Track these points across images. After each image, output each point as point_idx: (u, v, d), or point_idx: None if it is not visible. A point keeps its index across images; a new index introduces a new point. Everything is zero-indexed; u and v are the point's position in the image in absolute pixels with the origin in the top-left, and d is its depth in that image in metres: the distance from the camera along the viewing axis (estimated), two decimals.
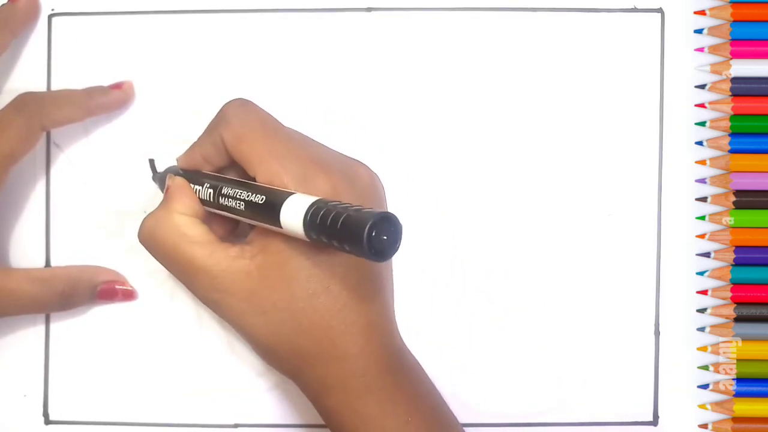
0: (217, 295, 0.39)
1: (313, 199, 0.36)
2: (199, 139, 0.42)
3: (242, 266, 0.39)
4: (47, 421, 0.47)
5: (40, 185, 0.47)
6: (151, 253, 0.41)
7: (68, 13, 0.47)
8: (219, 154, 0.41)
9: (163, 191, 0.43)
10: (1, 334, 0.47)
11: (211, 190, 0.41)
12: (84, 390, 0.47)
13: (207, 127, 0.42)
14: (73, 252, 0.47)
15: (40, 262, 0.47)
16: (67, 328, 0.47)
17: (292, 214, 0.36)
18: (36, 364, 0.47)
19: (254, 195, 0.38)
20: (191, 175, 0.42)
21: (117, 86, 0.47)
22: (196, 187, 0.42)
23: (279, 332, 0.39)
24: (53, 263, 0.47)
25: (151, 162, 0.46)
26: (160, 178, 0.45)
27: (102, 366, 0.47)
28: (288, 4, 0.47)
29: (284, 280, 0.39)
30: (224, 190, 0.40)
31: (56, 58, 0.47)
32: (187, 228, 0.40)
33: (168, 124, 0.47)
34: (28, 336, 0.47)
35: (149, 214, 0.41)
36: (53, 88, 0.47)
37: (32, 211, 0.47)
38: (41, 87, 0.47)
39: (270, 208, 0.37)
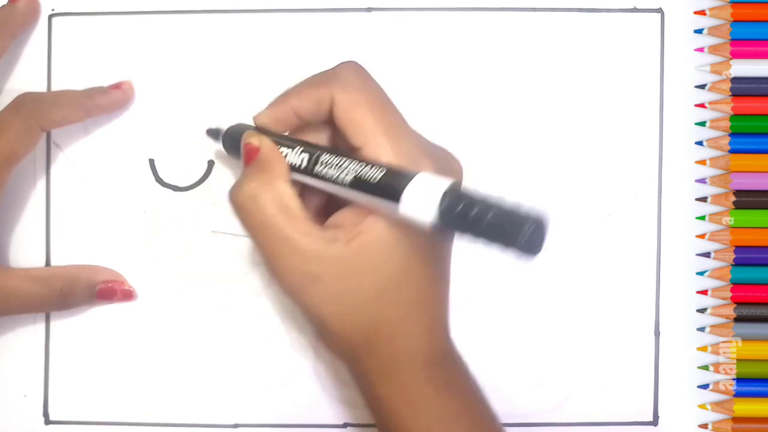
0: (303, 279, 0.37)
1: (448, 182, 0.33)
2: (293, 91, 0.39)
3: (337, 251, 0.37)
4: (47, 421, 0.47)
5: (40, 185, 0.47)
6: (243, 219, 0.38)
7: (68, 13, 0.47)
8: (318, 114, 0.39)
9: (237, 155, 0.40)
10: (1, 334, 0.47)
11: (306, 155, 0.37)
12: (84, 390, 0.47)
13: (309, 81, 0.39)
14: (73, 252, 0.47)
15: (40, 262, 0.47)
16: (67, 328, 0.47)
17: (422, 197, 0.33)
18: (36, 364, 0.47)
19: (368, 168, 0.35)
20: (273, 136, 0.39)
21: (117, 86, 0.47)
22: (283, 150, 0.38)
23: (354, 320, 0.38)
24: (53, 263, 0.47)
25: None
26: (230, 138, 0.41)
27: (102, 366, 0.47)
28: (288, 4, 0.47)
29: (375, 268, 0.37)
30: (324, 158, 0.37)
31: (56, 58, 0.47)
32: (291, 199, 0.37)
33: (168, 124, 0.47)
34: (28, 336, 0.47)
35: (245, 178, 0.38)
36: (53, 88, 0.47)
37: (32, 211, 0.47)
38: (41, 87, 0.47)
39: (388, 186, 0.34)
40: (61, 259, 0.47)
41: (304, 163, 0.37)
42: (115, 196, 0.47)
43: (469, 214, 0.32)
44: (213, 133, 0.44)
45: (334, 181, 0.36)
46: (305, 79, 0.40)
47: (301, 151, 0.38)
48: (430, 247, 0.38)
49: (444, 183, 0.33)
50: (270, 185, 0.37)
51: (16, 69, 0.47)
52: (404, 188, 0.34)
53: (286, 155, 0.38)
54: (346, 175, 0.36)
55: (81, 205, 0.47)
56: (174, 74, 0.47)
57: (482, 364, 0.47)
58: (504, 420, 0.46)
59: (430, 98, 0.47)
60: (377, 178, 0.35)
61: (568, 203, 0.47)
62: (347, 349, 0.39)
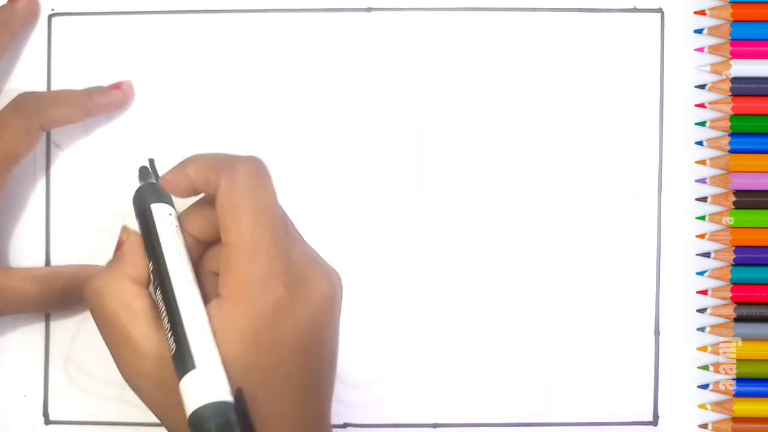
0: (141, 378, 0.37)
1: (214, 401, 0.34)
2: (195, 160, 0.39)
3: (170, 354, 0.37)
4: (47, 421, 0.47)
5: (40, 185, 0.47)
6: (92, 315, 0.39)
7: (68, 13, 0.47)
8: (208, 193, 0.39)
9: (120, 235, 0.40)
10: (1, 334, 0.47)
11: (152, 266, 0.38)
12: (84, 390, 0.47)
13: (211, 158, 0.39)
14: (73, 252, 0.47)
15: (40, 262, 0.47)
16: (67, 327, 0.47)
17: (191, 394, 0.34)
18: (36, 364, 0.47)
19: (170, 335, 0.36)
20: (152, 230, 0.39)
21: (116, 86, 0.47)
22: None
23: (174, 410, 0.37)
24: (53, 263, 0.47)
25: (149, 165, 0.43)
26: (136, 199, 0.42)
27: (102, 366, 0.47)
28: (288, 4, 0.47)
29: None
30: (157, 294, 0.37)
31: (56, 58, 0.47)
32: (134, 299, 0.37)
33: (168, 124, 0.47)
34: (28, 336, 0.47)
35: (97, 273, 0.39)
36: (53, 88, 0.47)
37: (32, 211, 0.47)
38: (41, 87, 0.47)
39: (177, 357, 0.35)
40: (61, 259, 0.47)
41: (150, 270, 0.38)
42: (115, 196, 0.47)
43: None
44: (142, 172, 0.43)
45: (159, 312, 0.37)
46: (209, 154, 0.39)
47: (150, 271, 0.38)
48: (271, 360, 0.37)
49: (207, 399, 0.34)
50: (115, 283, 0.38)
51: (15, 69, 0.47)
52: (182, 376, 0.35)
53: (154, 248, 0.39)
54: (162, 312, 0.37)
55: (81, 205, 0.47)
56: (174, 74, 0.47)
57: (482, 363, 0.47)
58: (504, 420, 0.46)
59: (430, 98, 0.47)
60: (172, 349, 0.36)
61: (568, 203, 0.47)
62: None
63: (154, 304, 0.38)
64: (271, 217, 0.37)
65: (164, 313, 0.37)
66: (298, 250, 0.39)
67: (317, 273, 0.39)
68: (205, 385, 0.35)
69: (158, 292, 0.37)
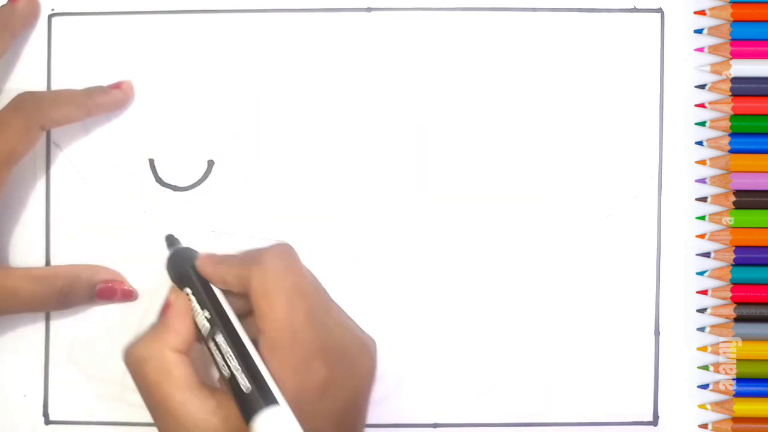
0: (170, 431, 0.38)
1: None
2: (227, 260, 0.40)
3: (216, 423, 0.38)
4: (47, 421, 0.47)
5: (40, 185, 0.47)
6: (132, 377, 0.40)
7: (68, 13, 0.47)
8: (242, 290, 0.39)
9: (172, 280, 0.42)
10: (1, 334, 0.47)
11: (207, 326, 0.39)
12: (84, 390, 0.47)
13: (238, 258, 0.40)
14: (73, 252, 0.47)
15: (40, 262, 0.47)
16: (67, 328, 0.47)
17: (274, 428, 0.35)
18: (36, 364, 0.47)
19: (241, 375, 0.37)
20: (202, 282, 0.41)
21: (116, 86, 0.47)
22: (196, 306, 0.40)
23: None
24: (53, 263, 0.47)
25: (171, 240, 0.45)
26: (175, 269, 0.42)
27: (102, 366, 0.47)
28: (288, 4, 0.47)
29: None
30: (219, 339, 0.38)
31: (56, 58, 0.47)
32: (175, 367, 0.39)
33: (168, 124, 0.47)
34: (28, 336, 0.47)
35: (141, 338, 0.40)
36: (53, 88, 0.47)
37: (32, 211, 0.47)
38: (41, 87, 0.47)
39: (244, 404, 0.36)
40: (61, 259, 0.47)
41: (203, 332, 0.39)
42: (115, 196, 0.47)
43: None
44: (169, 241, 0.45)
45: (218, 367, 0.38)
46: (243, 251, 0.41)
47: (207, 320, 0.39)
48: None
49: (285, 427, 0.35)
50: (156, 353, 0.39)
51: (16, 69, 0.47)
52: (251, 417, 0.36)
53: (196, 312, 0.40)
54: (222, 368, 0.38)
55: (81, 205, 0.47)
56: (174, 74, 0.47)
57: (482, 364, 0.47)
58: (504, 420, 0.46)
59: (430, 98, 0.47)
60: (241, 391, 0.37)
61: (568, 203, 0.47)
62: None
63: (195, 373, 0.39)
64: (304, 299, 0.38)
65: (230, 355, 0.37)
66: (338, 325, 0.40)
67: (358, 347, 0.40)
68: (288, 422, 0.35)
69: (218, 338, 0.38)
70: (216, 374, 0.40)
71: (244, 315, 0.40)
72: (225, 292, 0.41)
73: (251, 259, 0.39)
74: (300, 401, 0.37)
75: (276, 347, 0.38)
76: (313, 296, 0.39)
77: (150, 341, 0.39)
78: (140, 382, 0.39)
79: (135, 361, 0.39)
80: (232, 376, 0.37)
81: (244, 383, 0.37)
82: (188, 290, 0.41)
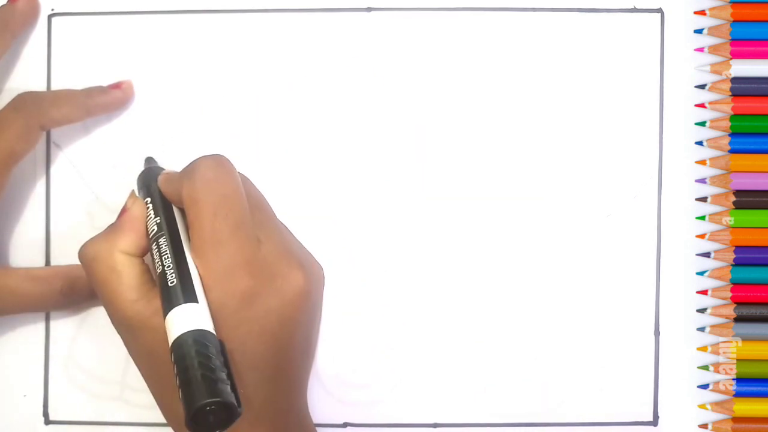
0: (127, 336, 0.40)
1: (198, 327, 0.36)
2: (168, 176, 0.42)
3: (155, 324, 0.39)
4: (47, 421, 0.47)
5: (40, 185, 0.47)
6: (86, 274, 0.41)
7: (68, 13, 0.47)
8: (179, 200, 0.41)
9: (137, 189, 0.43)
10: (1, 334, 0.47)
11: (155, 228, 0.40)
12: (84, 390, 0.47)
13: (178, 173, 0.41)
14: (73, 252, 0.47)
15: (40, 262, 0.47)
16: (67, 328, 0.47)
17: (171, 326, 0.37)
18: (36, 364, 0.47)
19: (172, 272, 0.38)
20: (155, 195, 0.42)
21: (116, 86, 0.47)
22: (150, 213, 0.41)
23: (175, 388, 0.38)
24: (53, 263, 0.47)
25: (149, 161, 0.46)
26: (142, 181, 0.44)
27: (102, 366, 0.47)
28: (288, 4, 0.47)
29: None
30: (162, 241, 0.40)
31: (56, 58, 0.47)
32: (123, 269, 0.40)
33: (168, 124, 0.47)
34: (28, 336, 0.47)
35: (96, 236, 0.41)
36: (53, 88, 0.47)
37: (32, 211, 0.47)
38: (41, 87, 0.47)
39: (169, 296, 0.38)
40: (61, 259, 0.47)
41: (150, 235, 0.41)
42: (115, 196, 0.47)
43: (182, 363, 0.35)
44: (147, 161, 0.46)
45: (154, 264, 0.40)
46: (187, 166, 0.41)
47: (156, 224, 0.41)
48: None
49: (192, 326, 0.36)
50: (107, 252, 0.40)
51: (15, 69, 0.47)
52: (167, 311, 0.37)
53: (148, 217, 0.41)
54: (157, 266, 0.39)
55: (81, 205, 0.47)
56: (174, 74, 0.47)
57: (482, 364, 0.47)
58: (504, 420, 0.46)
59: (430, 98, 0.47)
60: (167, 286, 0.38)
61: (568, 203, 0.47)
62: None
63: (145, 273, 0.40)
64: (232, 208, 0.39)
65: (166, 255, 0.39)
66: (271, 241, 0.40)
67: (291, 266, 0.40)
68: (201, 316, 0.37)
69: (161, 240, 0.40)
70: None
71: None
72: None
73: (184, 171, 0.40)
74: (222, 308, 0.38)
75: (200, 255, 0.39)
76: (243, 207, 0.40)
77: (101, 241, 0.41)
78: (91, 279, 0.40)
79: (86, 259, 0.40)
80: (163, 272, 0.38)
81: (171, 279, 0.38)
82: (148, 199, 0.42)
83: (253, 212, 0.40)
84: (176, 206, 0.42)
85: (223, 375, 0.35)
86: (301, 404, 0.42)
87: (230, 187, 0.40)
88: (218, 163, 0.40)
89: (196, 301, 0.37)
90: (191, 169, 0.40)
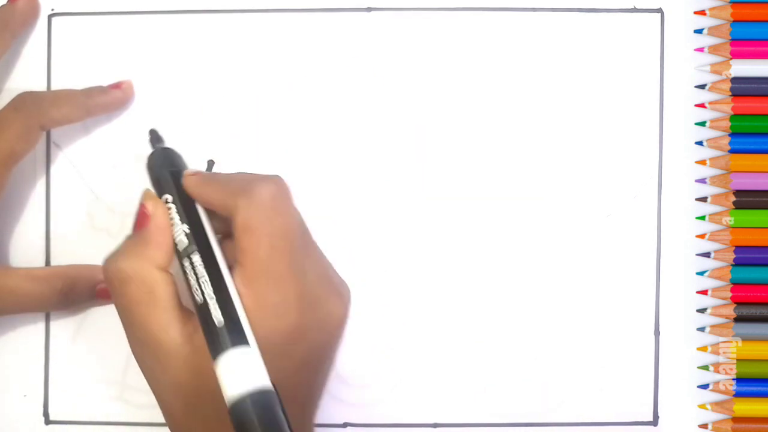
0: (152, 364, 0.37)
1: (258, 385, 0.33)
2: (214, 181, 0.38)
3: (186, 352, 0.36)
4: (47, 421, 0.47)
5: (40, 185, 0.47)
6: (112, 293, 0.38)
7: (68, 13, 0.47)
8: (223, 212, 0.38)
9: (151, 180, 0.40)
10: (1, 334, 0.47)
11: (185, 241, 0.37)
12: (84, 390, 0.47)
13: (228, 181, 0.38)
14: (73, 252, 0.47)
15: (40, 262, 0.47)
16: (67, 327, 0.47)
17: (227, 381, 0.34)
18: (36, 364, 0.47)
19: (215, 307, 0.35)
20: (183, 191, 0.38)
21: (116, 86, 0.47)
22: (175, 219, 0.37)
23: (195, 413, 0.37)
24: (53, 263, 0.47)
25: (155, 136, 0.42)
26: (155, 160, 0.40)
27: (102, 366, 0.47)
28: (288, 4, 0.47)
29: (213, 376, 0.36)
30: (195, 259, 0.36)
31: (56, 58, 0.47)
32: (159, 287, 0.37)
33: (168, 124, 0.47)
34: (28, 336, 0.47)
35: (122, 253, 0.38)
36: (53, 88, 0.47)
37: (32, 211, 0.47)
38: (41, 87, 0.47)
39: (216, 336, 0.34)
40: (61, 259, 0.47)
41: (179, 246, 0.37)
42: (115, 196, 0.47)
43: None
44: (153, 136, 0.42)
45: (190, 288, 0.36)
46: (233, 174, 0.39)
47: (185, 234, 0.37)
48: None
49: (252, 384, 0.34)
50: (143, 269, 0.37)
51: (15, 69, 0.47)
52: (218, 356, 0.34)
53: (173, 222, 0.37)
54: (195, 293, 0.36)
55: (81, 205, 0.47)
56: (174, 74, 0.47)
57: (482, 364, 0.47)
58: (504, 420, 0.46)
59: (430, 98, 0.47)
60: (212, 323, 0.35)
61: (568, 203, 0.47)
62: None
63: (177, 293, 0.37)
64: (288, 242, 0.37)
65: (205, 279, 0.36)
66: (315, 270, 0.39)
67: (331, 294, 0.39)
68: (256, 366, 0.34)
69: (194, 257, 0.36)
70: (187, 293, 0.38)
71: (223, 236, 0.39)
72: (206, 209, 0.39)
73: (240, 188, 0.37)
74: (268, 344, 0.36)
75: (252, 285, 0.36)
76: (296, 239, 0.37)
77: (133, 257, 0.37)
78: (121, 300, 0.37)
79: (118, 278, 0.37)
80: (205, 304, 0.35)
81: (217, 316, 0.35)
82: (168, 197, 0.38)
83: (304, 244, 0.38)
84: (204, 207, 0.38)
85: None
86: (314, 416, 0.41)
87: (289, 216, 0.37)
88: (278, 189, 0.37)
89: (247, 343, 0.34)
90: (248, 190, 0.37)
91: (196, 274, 0.36)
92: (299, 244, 0.38)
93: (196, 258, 0.36)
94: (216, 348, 0.34)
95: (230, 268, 0.37)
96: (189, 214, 0.37)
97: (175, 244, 0.37)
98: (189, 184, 0.39)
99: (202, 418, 0.37)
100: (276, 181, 0.37)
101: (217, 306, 0.35)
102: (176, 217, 0.38)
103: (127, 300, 0.37)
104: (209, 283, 0.36)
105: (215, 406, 0.35)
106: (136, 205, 0.47)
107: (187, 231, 0.37)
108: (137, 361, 0.38)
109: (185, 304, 0.38)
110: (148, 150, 0.41)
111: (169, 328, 0.37)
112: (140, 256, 0.37)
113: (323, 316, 0.38)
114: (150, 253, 0.37)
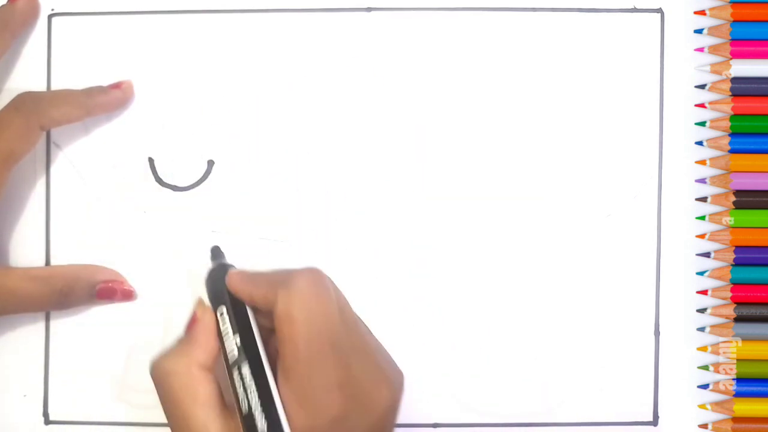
0: None
1: None
2: (256, 278, 0.40)
3: None
4: (47, 421, 0.47)
5: (40, 185, 0.47)
6: (157, 390, 0.39)
7: (68, 13, 0.47)
8: (265, 307, 0.39)
9: (208, 295, 0.41)
10: (1, 334, 0.47)
11: (235, 352, 0.39)
12: (84, 390, 0.47)
13: (268, 276, 0.39)
14: (73, 252, 0.47)
15: (40, 262, 0.47)
16: (67, 328, 0.47)
17: None
18: (36, 364, 0.47)
19: (260, 414, 0.37)
20: (228, 304, 0.40)
21: (116, 86, 0.47)
22: (228, 329, 0.39)
23: None
24: (53, 263, 0.47)
25: (215, 253, 0.43)
26: (213, 285, 0.41)
27: (102, 366, 0.47)
28: (288, 4, 0.47)
29: None
30: (244, 370, 0.38)
31: (56, 58, 0.47)
32: (200, 385, 0.38)
33: (168, 124, 0.47)
34: (28, 336, 0.47)
35: (169, 350, 0.40)
36: (53, 88, 0.47)
37: (32, 211, 0.47)
38: (41, 87, 0.47)
39: None
40: (61, 259, 0.47)
41: (230, 357, 0.39)
42: (115, 196, 0.47)
43: None
44: (213, 253, 0.44)
45: (237, 397, 0.38)
46: (274, 270, 0.40)
47: (236, 346, 0.39)
48: None
49: None
50: (185, 367, 0.39)
51: (15, 69, 0.47)
52: None
53: (224, 333, 0.39)
54: (242, 402, 0.37)
55: (81, 205, 0.47)
56: (174, 74, 0.47)
57: (482, 363, 0.47)
58: (504, 420, 0.46)
59: (430, 98, 0.47)
60: (262, 427, 0.36)
61: (568, 203, 0.47)
62: None
63: (219, 391, 0.39)
64: (329, 328, 0.38)
65: (252, 390, 0.37)
66: (360, 357, 0.39)
67: (380, 383, 0.39)
68: None
69: (244, 369, 0.38)
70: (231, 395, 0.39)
71: (269, 333, 0.40)
72: (254, 310, 0.40)
73: (280, 280, 0.38)
74: (312, 430, 0.37)
75: (292, 375, 0.37)
76: (338, 326, 0.38)
77: (178, 356, 0.39)
78: (165, 396, 0.39)
79: (162, 374, 0.39)
80: (250, 414, 0.37)
81: (261, 424, 0.37)
82: (223, 309, 0.40)
83: (346, 331, 0.39)
84: (249, 306, 0.40)
85: None
86: None
87: (328, 306, 0.38)
88: (317, 279, 0.38)
89: None
90: (288, 281, 0.38)
91: (244, 385, 0.38)
92: (341, 332, 0.38)
93: (245, 369, 0.38)
94: None
95: (272, 363, 0.39)
96: (241, 325, 0.39)
97: (226, 356, 0.39)
98: (233, 281, 0.40)
99: None
100: (313, 270, 0.39)
101: (262, 416, 0.37)
102: (229, 328, 0.39)
103: (170, 396, 0.38)
104: (256, 393, 0.37)
105: None
106: (138, 208, 0.47)
107: (239, 343, 0.39)
108: None
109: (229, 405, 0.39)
110: (208, 264, 0.43)
111: (211, 425, 0.38)
112: (184, 355, 0.39)
113: (369, 404, 0.38)
114: (194, 353, 0.39)
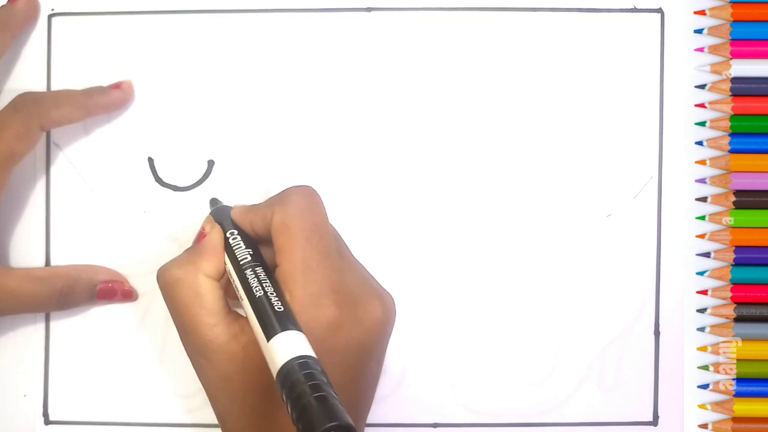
0: (201, 360, 0.40)
1: (304, 353, 0.36)
2: (253, 207, 0.42)
3: (233, 349, 0.39)
4: (47, 421, 0.47)
5: (40, 185, 0.47)
6: (164, 298, 0.40)
7: (68, 13, 0.47)
8: (264, 229, 0.40)
9: (204, 226, 0.42)
10: (1, 334, 0.47)
11: (248, 257, 0.40)
12: (84, 390, 0.47)
13: (268, 200, 0.41)
14: (73, 252, 0.47)
15: (40, 262, 0.47)
16: (67, 328, 0.47)
17: (277, 352, 0.36)
18: (36, 364, 0.47)
19: (275, 298, 0.38)
20: (238, 229, 0.42)
21: (116, 86, 0.47)
22: (237, 243, 0.41)
23: (242, 407, 0.39)
24: (53, 263, 0.47)
25: (214, 202, 0.45)
26: (215, 213, 0.44)
27: (102, 366, 0.47)
28: (288, 4, 0.47)
29: (262, 371, 0.38)
30: (259, 271, 0.39)
31: (56, 58, 0.47)
32: (206, 292, 0.40)
33: (168, 124, 0.47)
34: (28, 336, 0.47)
35: (176, 260, 0.41)
36: (53, 88, 0.47)
37: (32, 211, 0.47)
38: (41, 87, 0.47)
39: (273, 321, 0.37)
40: (61, 259, 0.47)
41: (243, 263, 0.40)
42: (115, 196, 0.47)
43: (292, 391, 0.34)
44: (212, 203, 0.45)
45: (241, 290, 0.39)
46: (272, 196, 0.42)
47: (249, 255, 0.40)
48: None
49: (298, 349, 0.36)
50: (189, 276, 0.40)
51: (15, 69, 0.47)
52: (271, 337, 0.36)
53: (235, 247, 0.41)
54: (257, 290, 0.39)
55: (81, 205, 0.47)
56: (174, 74, 0.47)
57: (482, 363, 0.47)
58: (504, 420, 0.46)
59: (430, 98, 0.47)
60: (269, 311, 0.38)
61: (568, 203, 0.47)
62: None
63: (225, 300, 0.40)
64: (322, 237, 0.39)
65: (267, 281, 0.39)
66: (352, 272, 0.41)
67: (371, 296, 0.40)
68: (304, 344, 0.36)
69: (258, 269, 0.39)
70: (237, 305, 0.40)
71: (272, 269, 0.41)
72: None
73: (276, 199, 0.41)
74: (307, 335, 0.37)
75: (289, 281, 0.39)
76: (330, 239, 0.40)
77: (184, 264, 0.40)
78: (172, 303, 0.40)
79: (168, 282, 0.40)
80: (265, 295, 0.38)
81: (277, 305, 0.37)
82: (235, 232, 0.41)
83: (338, 247, 0.41)
84: (253, 236, 0.41)
85: (336, 399, 0.34)
86: (362, 428, 0.42)
87: (321, 216, 0.40)
88: (309, 192, 0.40)
89: (299, 329, 0.37)
90: (283, 197, 0.40)
91: (258, 279, 0.39)
92: (333, 245, 0.40)
93: (259, 269, 0.39)
94: (271, 330, 0.37)
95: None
96: (251, 243, 0.41)
97: (238, 262, 0.40)
98: (236, 213, 0.42)
99: (248, 410, 0.39)
100: (306, 187, 0.41)
101: (278, 299, 0.38)
102: (242, 245, 0.41)
103: (177, 302, 0.40)
104: (270, 284, 0.39)
105: (262, 400, 0.39)
106: (138, 208, 0.47)
107: (251, 252, 0.40)
108: (190, 359, 0.40)
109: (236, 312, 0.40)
110: (208, 210, 0.44)
111: (215, 328, 0.39)
112: (191, 263, 0.40)
113: (363, 316, 0.40)
114: (200, 262, 0.40)
